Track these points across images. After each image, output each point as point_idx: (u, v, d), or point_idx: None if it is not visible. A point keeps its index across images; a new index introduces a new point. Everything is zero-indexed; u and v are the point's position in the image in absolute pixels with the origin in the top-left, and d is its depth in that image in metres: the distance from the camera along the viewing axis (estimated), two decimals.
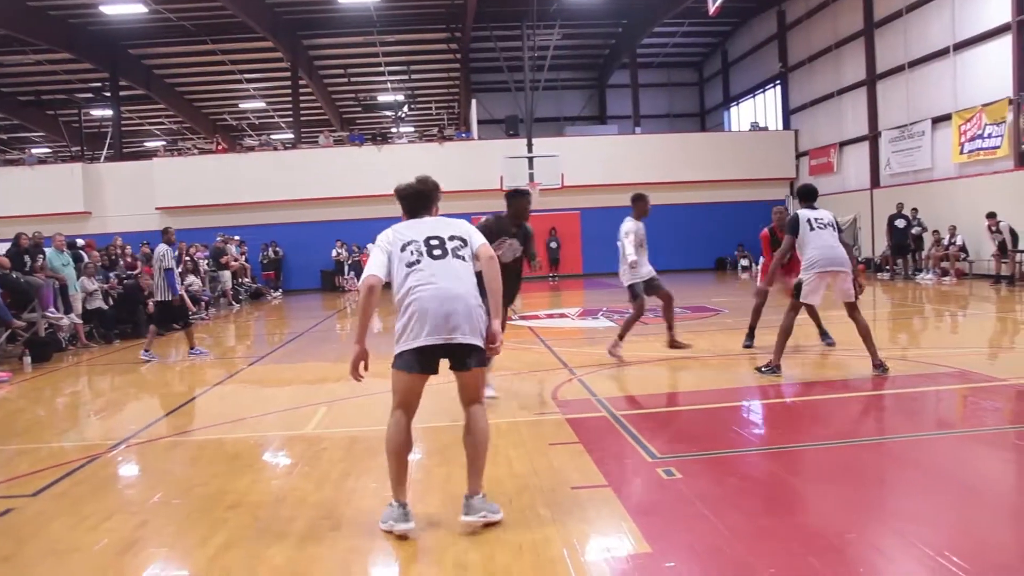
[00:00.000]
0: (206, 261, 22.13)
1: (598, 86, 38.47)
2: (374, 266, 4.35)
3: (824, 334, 10.18)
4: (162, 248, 12.16)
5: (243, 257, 25.13)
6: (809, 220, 8.23)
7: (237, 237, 25.00)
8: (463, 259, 4.35)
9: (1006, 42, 19.34)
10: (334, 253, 27.98)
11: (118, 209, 27.98)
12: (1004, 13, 19.30)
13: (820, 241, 8.12)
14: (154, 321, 12.70)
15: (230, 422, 7.37)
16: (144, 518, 4.69)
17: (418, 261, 4.29)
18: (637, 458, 5.44)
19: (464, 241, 4.42)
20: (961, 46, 20.90)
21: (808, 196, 8.58)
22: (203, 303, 19.15)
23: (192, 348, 12.47)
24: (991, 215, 18.61)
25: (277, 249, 27.87)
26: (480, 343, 4.30)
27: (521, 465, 5.42)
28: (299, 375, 10.34)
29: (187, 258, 20.79)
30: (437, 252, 4.32)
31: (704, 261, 29.25)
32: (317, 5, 27.56)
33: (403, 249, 4.37)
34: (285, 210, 28.23)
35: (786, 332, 8.31)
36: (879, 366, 7.94)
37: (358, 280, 21.63)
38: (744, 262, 27.66)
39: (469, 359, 4.33)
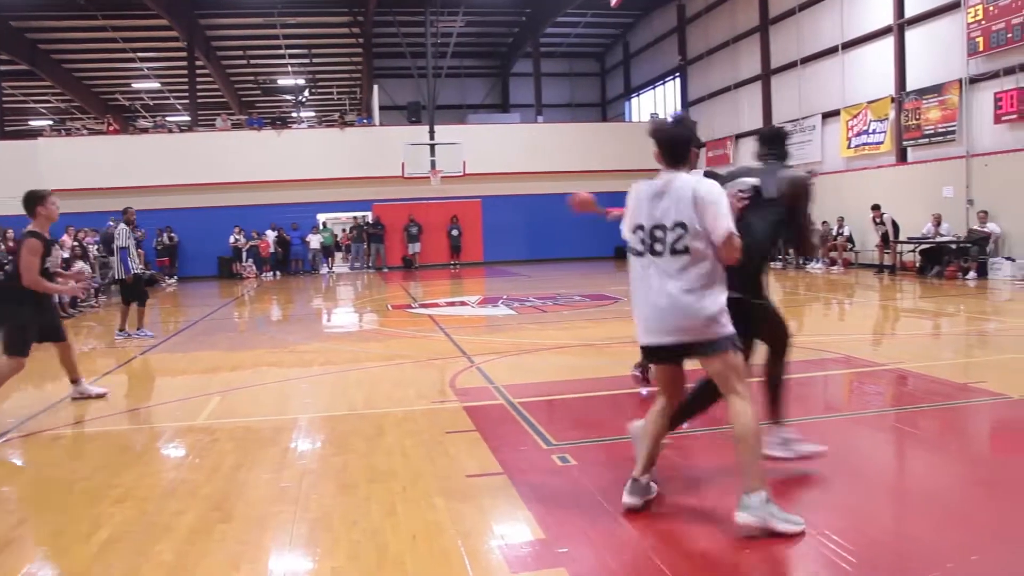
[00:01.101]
0: (96, 247, 21.31)
1: (501, 74, 38.53)
2: None
3: None
4: (120, 227, 12.59)
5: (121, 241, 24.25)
6: None
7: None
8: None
9: (889, 43, 20.20)
10: (232, 239, 27.29)
11: (0, 191, 26.64)
12: (887, 16, 20.14)
13: None
14: (123, 299, 12.65)
15: (119, 413, 7.13)
16: (22, 516, 4.51)
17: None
18: (533, 445, 5.50)
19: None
20: (849, 45, 21.71)
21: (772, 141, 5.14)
22: (92, 290, 18.44)
23: (139, 328, 12.43)
24: (876, 207, 19.43)
25: (172, 235, 27.02)
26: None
27: (416, 454, 5.41)
28: (192, 364, 10.07)
29: (75, 243, 19.99)
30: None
31: (604, 250, 29.66)
32: None
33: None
34: (180, 195, 27.37)
35: None
36: None
37: (256, 268, 21.25)
38: None
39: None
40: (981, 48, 17.31)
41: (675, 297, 3.83)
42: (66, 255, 18.60)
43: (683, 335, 3.88)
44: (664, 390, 4.25)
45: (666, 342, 3.94)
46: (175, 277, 26.48)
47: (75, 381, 7.67)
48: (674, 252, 3.85)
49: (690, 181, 4.03)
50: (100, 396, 7.68)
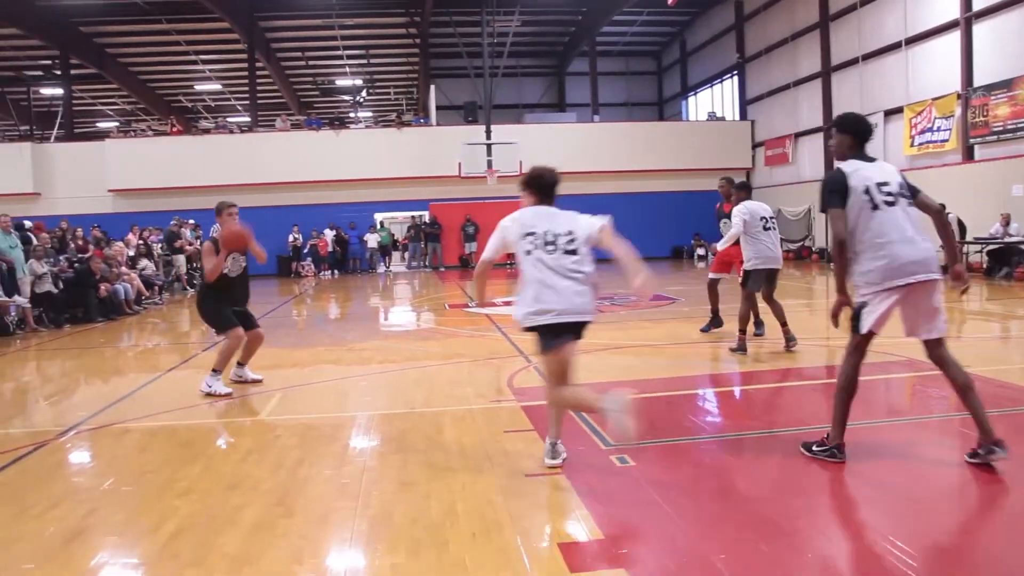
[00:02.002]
0: (160, 245, 21.79)
1: (557, 74, 38.47)
2: None
3: (758, 323, 9.93)
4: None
5: (198, 241, 24.78)
6: (868, 187, 4.69)
7: (192, 221, 24.61)
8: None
9: (955, 38, 19.71)
10: (291, 238, 27.70)
11: (69, 191, 27.42)
12: (953, 9, 19.65)
13: (886, 224, 4.66)
14: None
15: (183, 408, 7.28)
16: (92, 506, 4.62)
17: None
18: (591, 445, 5.48)
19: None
20: (912, 40, 21.24)
21: (860, 132, 4.94)
22: (156, 287, 18.86)
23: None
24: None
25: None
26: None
27: (475, 452, 5.43)
28: (254, 361, 10.23)
29: (140, 242, 20.46)
30: None
31: (661, 250, 29.45)
32: None
33: None
34: (241, 194, 27.75)
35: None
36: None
37: (315, 266, 21.52)
38: (700, 251, 27.88)
39: None
40: None
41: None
42: (131, 253, 19.08)
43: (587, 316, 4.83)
44: (565, 371, 4.90)
45: (576, 320, 4.80)
46: None
47: (240, 364, 8.30)
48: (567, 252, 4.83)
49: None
50: (256, 381, 8.26)
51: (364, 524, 4.14)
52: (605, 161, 29.08)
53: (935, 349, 4.90)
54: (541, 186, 4.99)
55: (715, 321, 10.59)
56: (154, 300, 18.30)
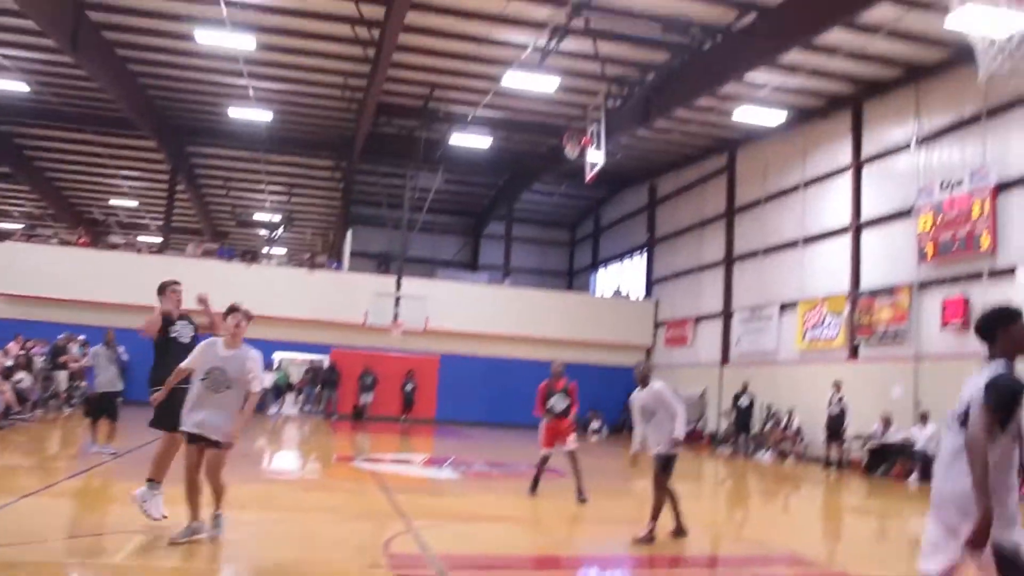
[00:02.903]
0: (43, 358, 20.82)
1: (474, 233, 39.32)
2: None
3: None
4: (94, 348, 14.32)
5: (84, 359, 23.75)
6: None
7: (82, 337, 23.62)
8: None
9: (846, 242, 21.00)
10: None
11: None
12: (845, 216, 21.05)
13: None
14: (84, 412, 13.93)
15: (30, 543, 6.71)
16: None
17: None
18: None
19: None
20: (809, 240, 22.52)
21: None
22: (29, 403, 17.85)
23: (105, 444, 12.87)
24: (837, 384, 19.30)
25: (123, 355, 26.42)
26: None
27: None
28: (123, 494, 9.63)
29: (21, 352, 19.51)
30: None
31: None
32: (208, 114, 27.38)
33: None
34: (141, 316, 26.92)
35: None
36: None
37: None
38: (595, 424, 27.86)
39: None
40: (930, 255, 18.04)
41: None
42: (9, 363, 18.13)
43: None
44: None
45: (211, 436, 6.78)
46: (121, 398, 25.72)
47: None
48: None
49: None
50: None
51: None
52: (511, 325, 29.37)
53: None
54: None
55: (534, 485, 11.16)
56: (23, 415, 17.26)
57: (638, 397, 8.76)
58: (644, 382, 8.78)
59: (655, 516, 8.30)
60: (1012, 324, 4.11)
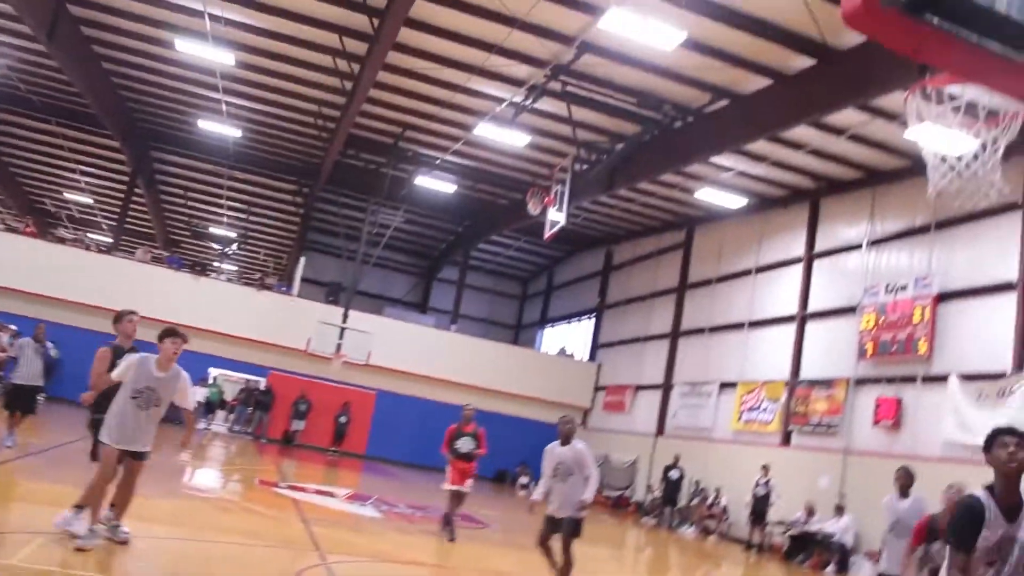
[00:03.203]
0: None
1: (427, 275, 39.29)
2: None
3: None
4: (20, 341, 14.05)
5: (11, 348, 23.05)
6: None
7: (13, 327, 22.99)
8: None
9: (790, 331, 21.41)
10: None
11: None
12: (792, 305, 21.50)
13: None
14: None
15: None
16: None
17: None
18: None
19: None
20: (755, 324, 22.91)
21: None
22: None
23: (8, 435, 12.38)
24: (766, 467, 19.47)
25: (54, 350, 25.73)
26: None
27: None
28: (29, 493, 9.38)
29: None
30: None
31: (486, 470, 29.21)
32: (177, 123, 27.17)
33: None
34: (78, 313, 26.34)
35: None
36: None
37: None
38: (524, 479, 27.71)
39: None
40: (870, 353, 18.47)
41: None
42: None
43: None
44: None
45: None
46: (44, 394, 24.99)
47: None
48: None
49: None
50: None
51: None
52: (453, 371, 29.26)
53: None
54: None
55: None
56: None
57: (557, 452, 8.42)
58: (567, 439, 8.45)
59: None
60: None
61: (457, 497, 11.50)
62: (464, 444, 11.66)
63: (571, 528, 8.12)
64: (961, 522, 4.00)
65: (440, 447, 11.87)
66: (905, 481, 8.13)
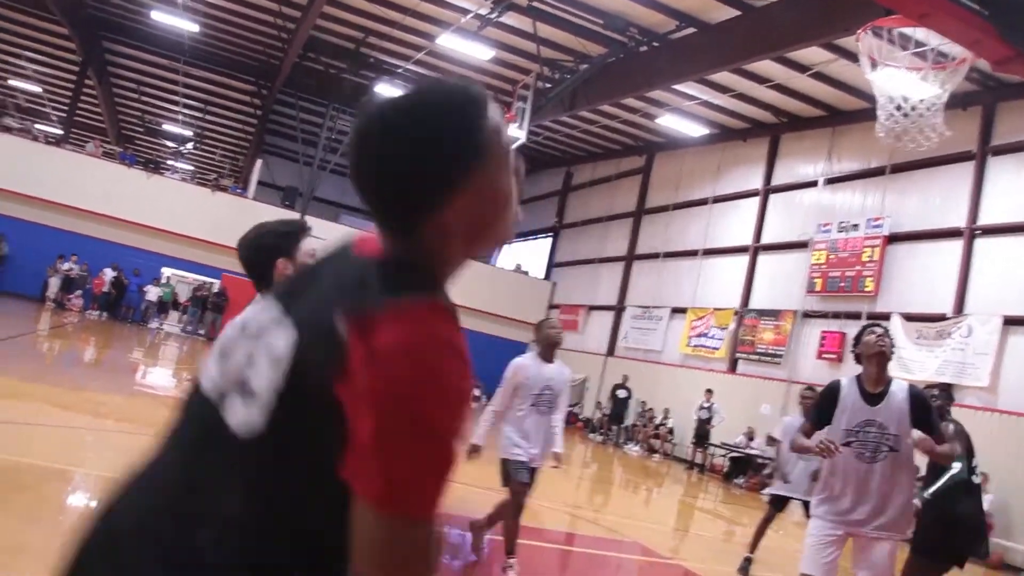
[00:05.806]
0: None
1: None
2: None
3: None
4: None
5: None
6: None
7: None
8: None
9: (743, 262, 21.77)
10: (66, 266, 25.77)
11: None
12: (747, 236, 21.81)
13: None
14: None
15: None
16: None
17: None
18: None
19: None
20: (709, 253, 23.22)
21: None
22: None
23: None
24: (709, 391, 20.10)
25: (2, 244, 25.28)
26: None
27: None
28: None
29: None
30: None
31: None
32: (130, 12, 26.19)
33: None
34: (23, 205, 25.73)
35: None
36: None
37: (84, 302, 19.90)
38: (475, 392, 28.14)
39: None
40: (818, 288, 18.89)
41: None
42: None
43: None
44: None
45: None
46: None
47: None
48: None
49: None
50: None
51: None
52: None
53: None
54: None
55: None
56: None
57: (546, 373, 6.08)
58: (551, 353, 6.15)
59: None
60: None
61: None
62: None
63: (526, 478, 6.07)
64: (819, 400, 4.78)
65: None
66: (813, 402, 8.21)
